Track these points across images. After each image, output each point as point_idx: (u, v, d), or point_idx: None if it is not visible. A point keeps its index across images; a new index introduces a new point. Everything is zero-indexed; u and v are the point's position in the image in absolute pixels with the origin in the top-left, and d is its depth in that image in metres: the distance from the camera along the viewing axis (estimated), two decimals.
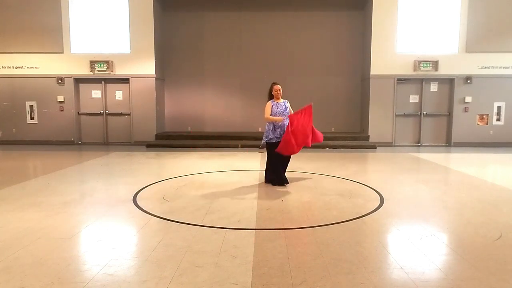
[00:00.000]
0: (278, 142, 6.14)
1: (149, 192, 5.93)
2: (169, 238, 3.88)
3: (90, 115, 12.92)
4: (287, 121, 6.19)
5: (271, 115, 6.23)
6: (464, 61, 12.18)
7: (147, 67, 12.44)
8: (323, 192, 5.90)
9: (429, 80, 12.47)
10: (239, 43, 13.44)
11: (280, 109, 6.26)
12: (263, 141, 6.42)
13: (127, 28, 12.39)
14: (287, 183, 6.32)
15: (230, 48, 13.45)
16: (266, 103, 6.35)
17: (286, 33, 13.34)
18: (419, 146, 12.57)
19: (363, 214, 4.74)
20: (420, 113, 12.60)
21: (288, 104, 6.41)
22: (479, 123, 12.43)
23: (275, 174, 6.35)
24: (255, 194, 5.76)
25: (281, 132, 6.19)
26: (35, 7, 12.28)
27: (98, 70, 12.38)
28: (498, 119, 12.38)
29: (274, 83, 6.41)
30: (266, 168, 6.54)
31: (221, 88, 13.65)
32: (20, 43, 12.42)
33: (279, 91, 6.32)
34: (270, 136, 6.28)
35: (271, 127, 6.29)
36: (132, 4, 12.29)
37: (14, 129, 12.72)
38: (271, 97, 6.37)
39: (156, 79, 12.57)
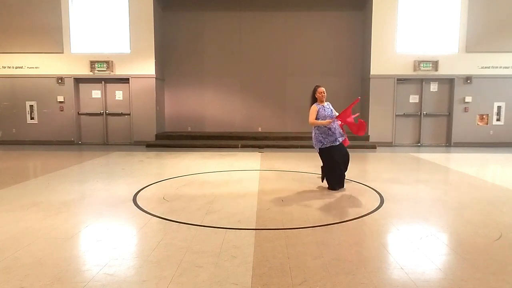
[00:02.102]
0: (332, 147, 5.91)
1: (149, 192, 5.93)
2: (169, 238, 3.88)
3: (90, 115, 12.92)
4: (335, 123, 5.94)
5: (317, 119, 5.90)
6: (464, 61, 12.19)
7: (147, 67, 12.44)
8: (323, 192, 5.90)
9: (429, 80, 12.47)
10: (239, 43, 13.44)
11: (327, 112, 5.93)
12: (316, 147, 6.11)
13: (127, 28, 12.38)
14: (342, 186, 6.10)
15: (230, 48, 13.45)
16: (310, 107, 5.97)
17: (286, 33, 13.34)
18: (419, 146, 12.57)
19: (363, 214, 4.74)
20: (420, 113, 12.60)
21: (331, 106, 6.14)
22: (479, 123, 12.43)
23: (333, 177, 6.07)
24: (255, 194, 5.76)
25: (336, 137, 5.93)
26: (35, 7, 12.28)
27: (98, 70, 12.38)
28: (498, 119, 12.38)
29: (318, 86, 6.08)
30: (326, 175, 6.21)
31: (221, 88, 13.65)
32: (20, 43, 12.42)
33: (324, 93, 6.00)
34: (323, 141, 5.96)
35: (322, 132, 5.95)
36: (132, 4, 12.29)
37: (14, 129, 12.72)
38: (314, 100, 6.02)
39: (156, 79, 12.57)
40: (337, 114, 6.08)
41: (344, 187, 6.13)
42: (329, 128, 5.91)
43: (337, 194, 5.81)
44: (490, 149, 11.60)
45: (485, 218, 4.62)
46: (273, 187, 6.29)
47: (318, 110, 5.93)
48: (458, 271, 3.16)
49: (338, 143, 5.98)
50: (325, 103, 6.07)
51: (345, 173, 6.16)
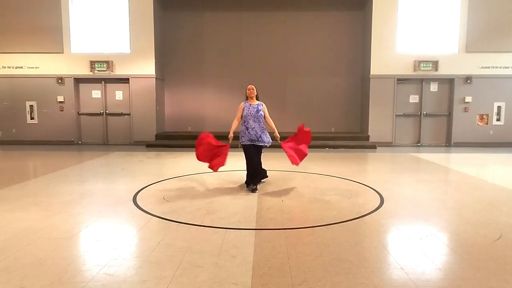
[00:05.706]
0: (250, 145, 6.07)
1: (149, 192, 5.94)
2: (169, 238, 3.88)
3: (90, 115, 12.91)
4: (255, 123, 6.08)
5: (242, 117, 6.10)
6: (464, 61, 12.19)
7: (147, 67, 12.44)
8: (323, 192, 5.90)
9: (429, 80, 12.47)
10: (239, 43, 13.43)
11: (251, 111, 6.07)
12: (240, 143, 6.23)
13: (127, 28, 12.38)
14: (252, 186, 5.99)
15: (230, 48, 13.44)
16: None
17: (286, 33, 13.34)
18: (419, 146, 12.57)
19: (363, 214, 4.73)
20: (420, 113, 12.60)
21: (262, 107, 6.22)
22: (479, 123, 12.43)
23: (251, 176, 6.11)
24: (255, 194, 5.76)
25: (251, 138, 6.05)
26: (35, 7, 12.28)
27: (98, 70, 12.38)
28: (498, 119, 12.38)
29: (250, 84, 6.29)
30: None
31: (221, 88, 13.64)
32: (20, 43, 12.42)
33: (251, 90, 6.17)
34: (242, 139, 6.14)
35: (241, 130, 6.13)
36: (132, 4, 12.29)
37: (14, 129, 12.72)
38: (246, 98, 6.27)
39: (156, 79, 12.57)
40: (263, 114, 6.21)
41: (254, 188, 5.94)
42: (247, 128, 6.06)
43: (337, 194, 5.80)
44: (490, 149, 11.60)
45: (485, 218, 4.62)
46: (273, 187, 6.28)
47: (244, 107, 6.12)
48: (458, 271, 3.16)
49: (257, 144, 6.10)
50: (256, 103, 6.18)
51: (259, 178, 6.21)
